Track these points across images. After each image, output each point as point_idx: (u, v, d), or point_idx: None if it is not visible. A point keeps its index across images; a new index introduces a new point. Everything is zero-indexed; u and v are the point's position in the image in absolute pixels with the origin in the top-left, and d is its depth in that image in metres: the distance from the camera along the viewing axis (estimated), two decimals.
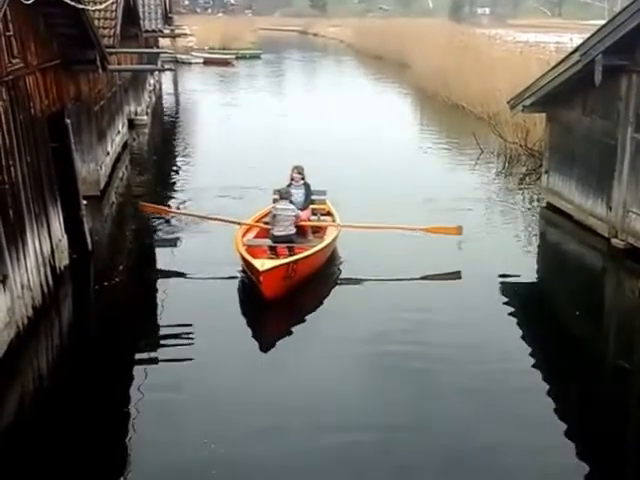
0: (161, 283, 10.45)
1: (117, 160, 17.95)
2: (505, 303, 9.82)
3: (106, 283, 10.25)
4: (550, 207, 14.08)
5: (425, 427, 6.92)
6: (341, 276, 10.66)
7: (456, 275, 10.57)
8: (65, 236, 10.70)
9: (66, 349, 8.86)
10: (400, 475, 6.20)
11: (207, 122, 25.43)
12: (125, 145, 19.98)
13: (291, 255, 10.17)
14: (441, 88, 27.61)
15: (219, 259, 10.63)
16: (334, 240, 10.88)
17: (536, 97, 13.68)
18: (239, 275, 10.31)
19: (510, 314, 9.51)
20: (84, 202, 11.82)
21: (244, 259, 9.82)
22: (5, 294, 7.83)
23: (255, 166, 17.04)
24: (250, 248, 10.32)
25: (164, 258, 11.41)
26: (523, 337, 8.83)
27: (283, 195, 10.66)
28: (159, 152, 21.14)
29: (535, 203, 14.81)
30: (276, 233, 10.44)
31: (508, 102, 14.83)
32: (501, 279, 10.58)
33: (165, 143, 22.57)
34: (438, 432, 6.82)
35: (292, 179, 11.50)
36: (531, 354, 8.38)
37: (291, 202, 10.74)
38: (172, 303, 9.66)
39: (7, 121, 8.39)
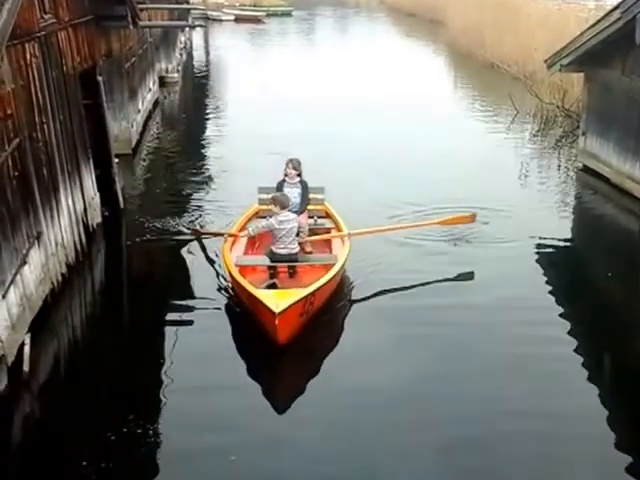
0: (191, 237, 10.42)
1: (148, 118, 17.97)
2: (539, 266, 9.72)
3: (137, 240, 10.35)
4: (586, 170, 13.80)
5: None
6: (356, 295, 8.72)
7: (469, 276, 9.22)
8: (98, 194, 10.78)
9: (99, 305, 9.01)
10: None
11: (238, 79, 25.25)
12: (156, 103, 19.98)
13: (292, 275, 8.59)
14: (476, 46, 26.97)
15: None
16: (348, 255, 8.82)
17: (574, 56, 13.31)
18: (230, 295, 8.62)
19: (544, 277, 9.41)
20: (116, 160, 11.87)
21: (242, 288, 7.78)
22: (40, 251, 7.93)
23: (284, 125, 16.96)
24: (243, 268, 8.47)
25: (195, 215, 11.44)
26: (556, 300, 8.71)
27: (282, 203, 8.47)
28: (190, 110, 21.11)
29: (571, 165, 14.51)
30: (276, 251, 8.44)
31: (545, 61, 14.46)
32: (535, 242, 10.44)
33: (196, 101, 22.50)
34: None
35: (286, 175, 9.30)
36: (564, 317, 8.28)
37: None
38: (202, 258, 9.69)
39: (40, 78, 8.39)
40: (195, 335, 7.83)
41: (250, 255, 9.13)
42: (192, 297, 8.69)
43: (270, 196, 8.92)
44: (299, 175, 9.31)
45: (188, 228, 10.63)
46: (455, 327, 8.00)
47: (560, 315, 8.34)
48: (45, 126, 8.49)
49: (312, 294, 7.54)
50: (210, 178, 13.56)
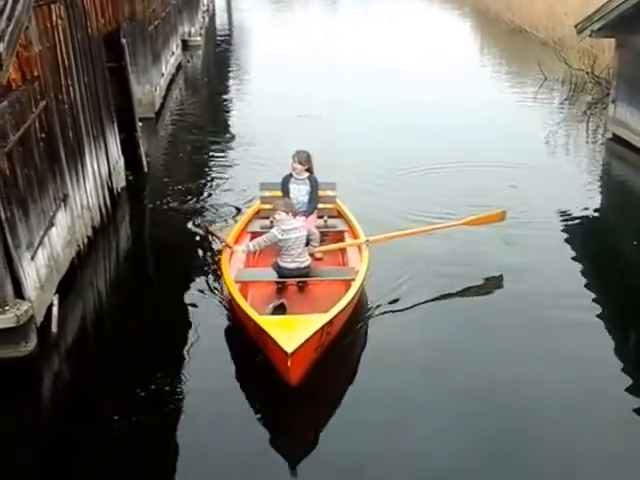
0: (214, 202, 10.45)
1: (171, 82, 17.93)
2: (565, 233, 9.59)
3: (160, 203, 10.39)
4: (616, 139, 13.52)
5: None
6: (376, 312, 7.39)
7: (499, 282, 8.20)
8: (122, 158, 10.80)
9: (123, 267, 9.09)
10: None
11: (261, 43, 25.02)
12: (179, 67, 19.91)
13: (302, 288, 7.42)
14: (504, 10, 26.44)
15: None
16: (368, 267, 7.39)
17: (605, 21, 12.95)
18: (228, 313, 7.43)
19: (569, 244, 9.29)
20: (139, 124, 11.87)
21: (245, 313, 6.44)
22: (66, 213, 7.99)
23: (308, 89, 16.84)
24: (245, 285, 7.27)
25: (218, 178, 11.44)
26: (582, 273, 8.61)
27: (286, 208, 7.15)
28: (213, 74, 21.00)
29: (600, 133, 14.27)
30: (283, 265, 7.16)
31: (575, 26, 14.10)
32: (561, 209, 10.29)
33: (219, 65, 22.38)
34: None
35: (293, 169, 8.05)
36: (588, 285, 8.20)
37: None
38: (227, 219, 9.68)
39: (65, 40, 8.34)
40: (217, 296, 7.86)
41: (252, 268, 7.79)
42: (214, 257, 8.68)
43: (272, 194, 8.31)
44: (308, 170, 8.03)
45: (197, 224, 9.58)
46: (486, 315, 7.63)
47: (584, 281, 8.25)
48: (71, 88, 8.47)
49: (329, 323, 6.16)
50: (233, 142, 13.52)
